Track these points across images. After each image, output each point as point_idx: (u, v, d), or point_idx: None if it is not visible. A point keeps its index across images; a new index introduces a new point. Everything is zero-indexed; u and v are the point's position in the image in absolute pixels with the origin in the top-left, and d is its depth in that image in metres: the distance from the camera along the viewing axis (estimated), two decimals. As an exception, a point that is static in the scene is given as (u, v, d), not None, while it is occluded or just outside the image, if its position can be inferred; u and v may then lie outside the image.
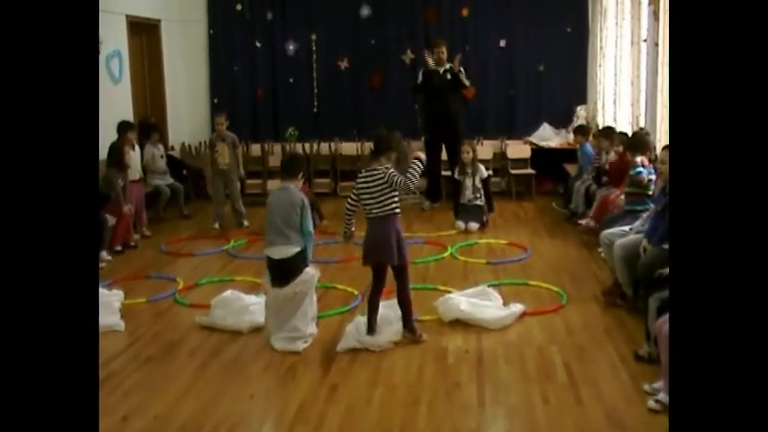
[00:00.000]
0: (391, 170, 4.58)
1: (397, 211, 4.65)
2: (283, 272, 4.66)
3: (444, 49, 8.91)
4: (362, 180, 4.64)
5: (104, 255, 6.75)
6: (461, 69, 8.89)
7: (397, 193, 4.61)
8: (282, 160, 5.22)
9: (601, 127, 8.73)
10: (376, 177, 4.58)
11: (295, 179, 4.84)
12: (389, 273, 4.72)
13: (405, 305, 4.70)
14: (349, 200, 4.76)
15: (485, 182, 8.07)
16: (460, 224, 7.81)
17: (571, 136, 9.80)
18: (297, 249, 4.66)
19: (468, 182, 8.01)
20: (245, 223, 8.12)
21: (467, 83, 8.93)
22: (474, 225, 7.77)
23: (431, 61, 8.89)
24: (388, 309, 4.82)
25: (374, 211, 4.60)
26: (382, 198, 4.57)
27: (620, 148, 6.97)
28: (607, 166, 7.26)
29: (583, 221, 7.17)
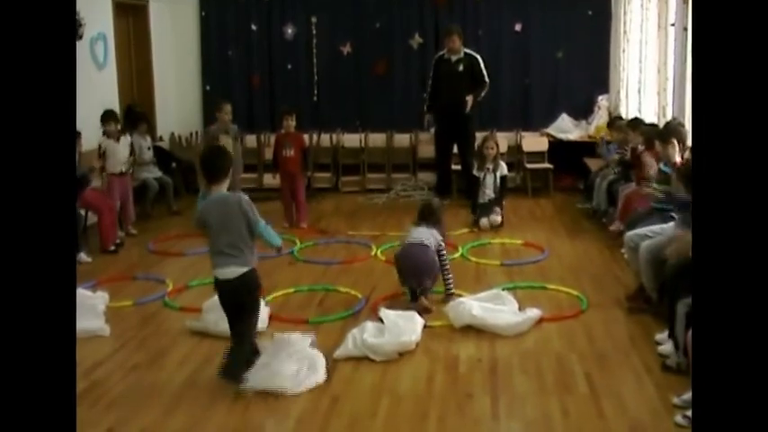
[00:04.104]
0: (444, 253, 5.56)
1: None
2: (236, 294, 4.15)
3: (456, 38, 8.85)
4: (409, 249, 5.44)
5: (83, 256, 6.72)
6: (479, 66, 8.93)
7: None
8: (202, 159, 4.35)
9: (627, 118, 8.68)
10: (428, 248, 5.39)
11: (224, 179, 4.15)
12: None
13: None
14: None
15: (503, 179, 8.07)
16: (484, 221, 7.80)
17: (592, 127, 9.79)
18: (249, 268, 4.13)
19: (489, 179, 8.01)
20: None
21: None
22: (496, 218, 7.81)
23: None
24: (400, 318, 4.78)
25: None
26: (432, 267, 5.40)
27: (635, 135, 7.11)
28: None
29: (612, 227, 7.15)
